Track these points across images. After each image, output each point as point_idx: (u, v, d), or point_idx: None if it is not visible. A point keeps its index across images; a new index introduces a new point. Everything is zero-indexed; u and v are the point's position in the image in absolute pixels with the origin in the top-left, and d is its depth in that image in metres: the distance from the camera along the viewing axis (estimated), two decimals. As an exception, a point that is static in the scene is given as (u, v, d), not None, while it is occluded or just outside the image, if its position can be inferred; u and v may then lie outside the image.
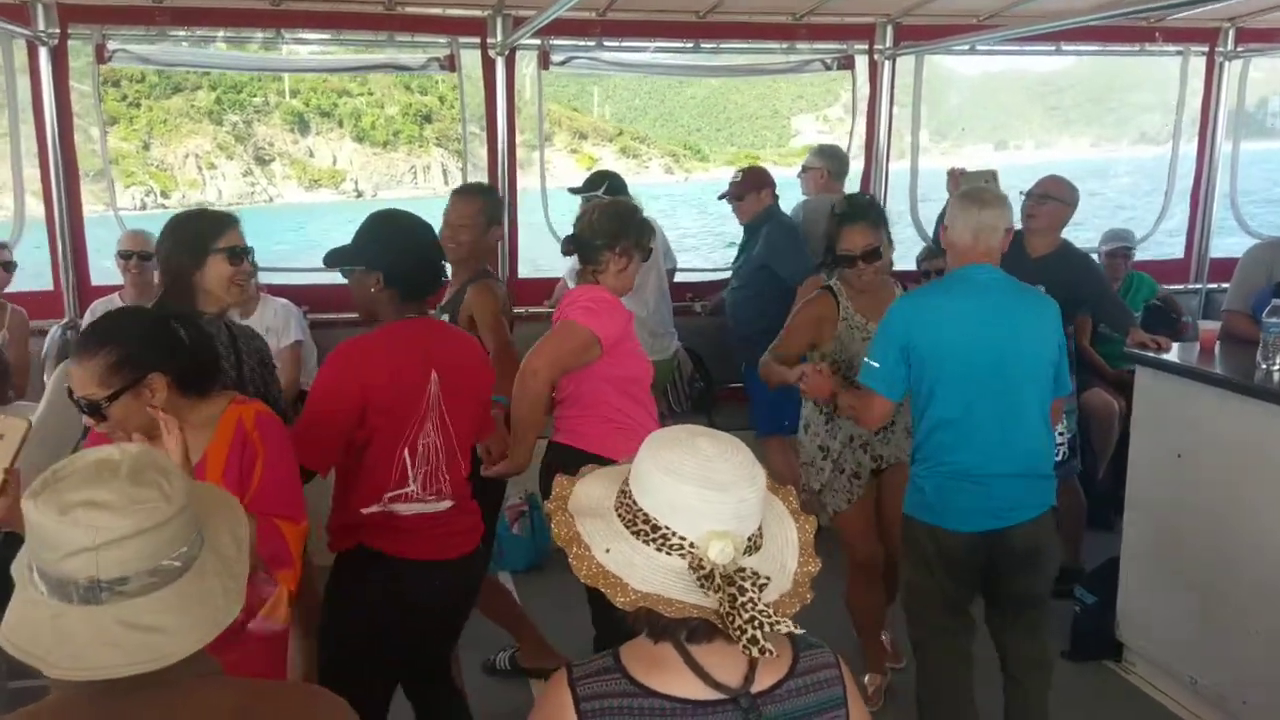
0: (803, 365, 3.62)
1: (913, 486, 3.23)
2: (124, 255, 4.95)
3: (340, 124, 62.69)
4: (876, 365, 3.15)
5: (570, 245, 3.37)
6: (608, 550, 1.44)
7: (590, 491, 1.54)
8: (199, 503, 1.46)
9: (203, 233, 2.90)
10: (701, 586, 1.39)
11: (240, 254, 2.91)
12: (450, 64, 5.68)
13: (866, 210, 3.75)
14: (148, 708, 1.33)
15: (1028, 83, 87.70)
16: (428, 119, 61.41)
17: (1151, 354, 4.08)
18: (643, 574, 1.42)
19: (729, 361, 5.49)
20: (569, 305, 3.26)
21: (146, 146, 55.58)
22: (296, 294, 5.46)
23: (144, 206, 51.29)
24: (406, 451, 2.66)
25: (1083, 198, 4.74)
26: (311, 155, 61.77)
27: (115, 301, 4.86)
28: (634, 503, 1.46)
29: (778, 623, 1.37)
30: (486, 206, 3.94)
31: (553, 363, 3.17)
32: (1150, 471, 4.01)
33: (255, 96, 61.00)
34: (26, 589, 1.33)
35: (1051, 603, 3.35)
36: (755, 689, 1.48)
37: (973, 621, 3.31)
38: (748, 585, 1.37)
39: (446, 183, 54.49)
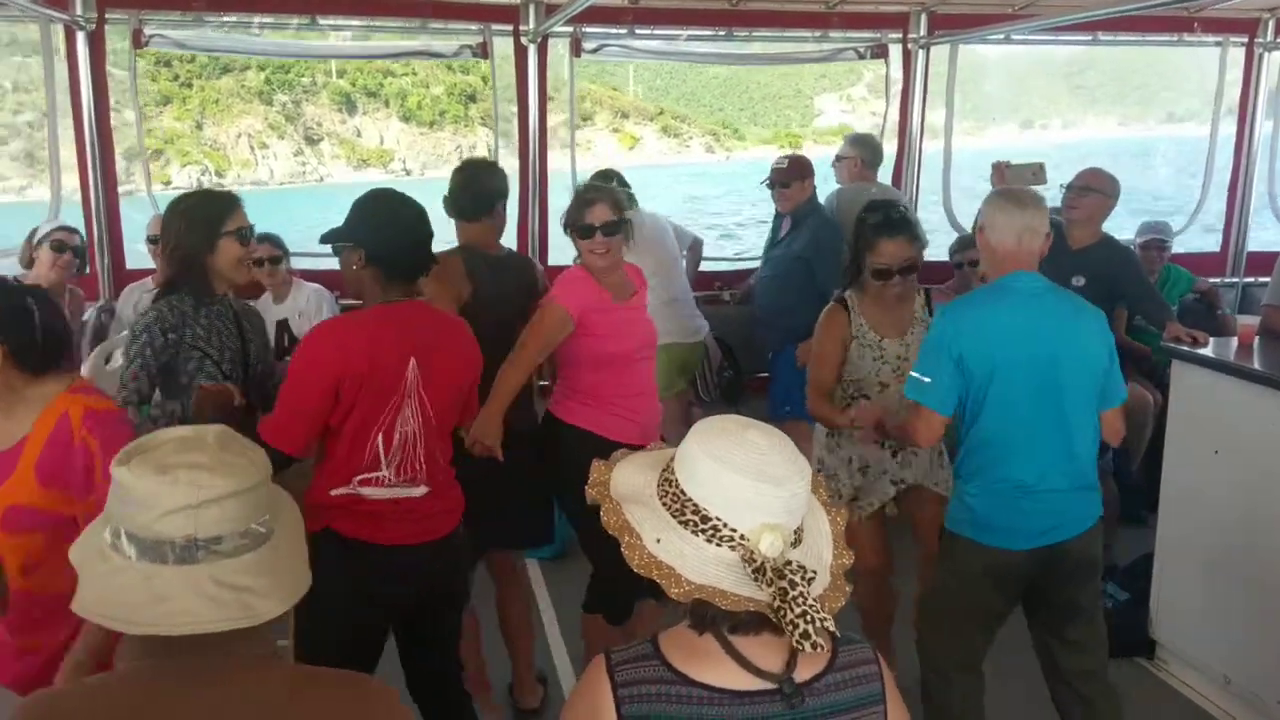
0: (850, 411, 3.51)
1: (960, 504, 3.09)
2: (153, 240, 4.95)
3: (386, 104, 62.72)
4: (928, 380, 2.99)
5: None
6: (658, 540, 1.44)
7: (630, 479, 1.54)
8: None
9: (213, 215, 2.92)
10: (755, 580, 1.39)
11: (248, 235, 2.96)
12: (483, 51, 5.68)
13: (907, 223, 3.58)
14: (204, 683, 1.36)
15: (1053, 62, 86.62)
16: (472, 99, 61.38)
17: (1188, 348, 4.03)
18: (695, 565, 1.41)
19: (758, 351, 5.47)
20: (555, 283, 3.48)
21: (199, 126, 55.96)
22: (328, 279, 5.48)
23: (200, 185, 51.81)
24: (381, 435, 2.61)
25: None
26: (359, 135, 61.93)
27: (148, 285, 4.88)
28: (681, 491, 1.46)
29: (826, 619, 1.38)
30: None
31: (535, 339, 3.33)
32: (1186, 467, 3.97)
33: (303, 77, 61.12)
34: (107, 559, 1.38)
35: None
36: (796, 679, 1.48)
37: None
38: (798, 579, 1.38)
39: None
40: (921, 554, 3.73)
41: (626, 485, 1.53)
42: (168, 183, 49.32)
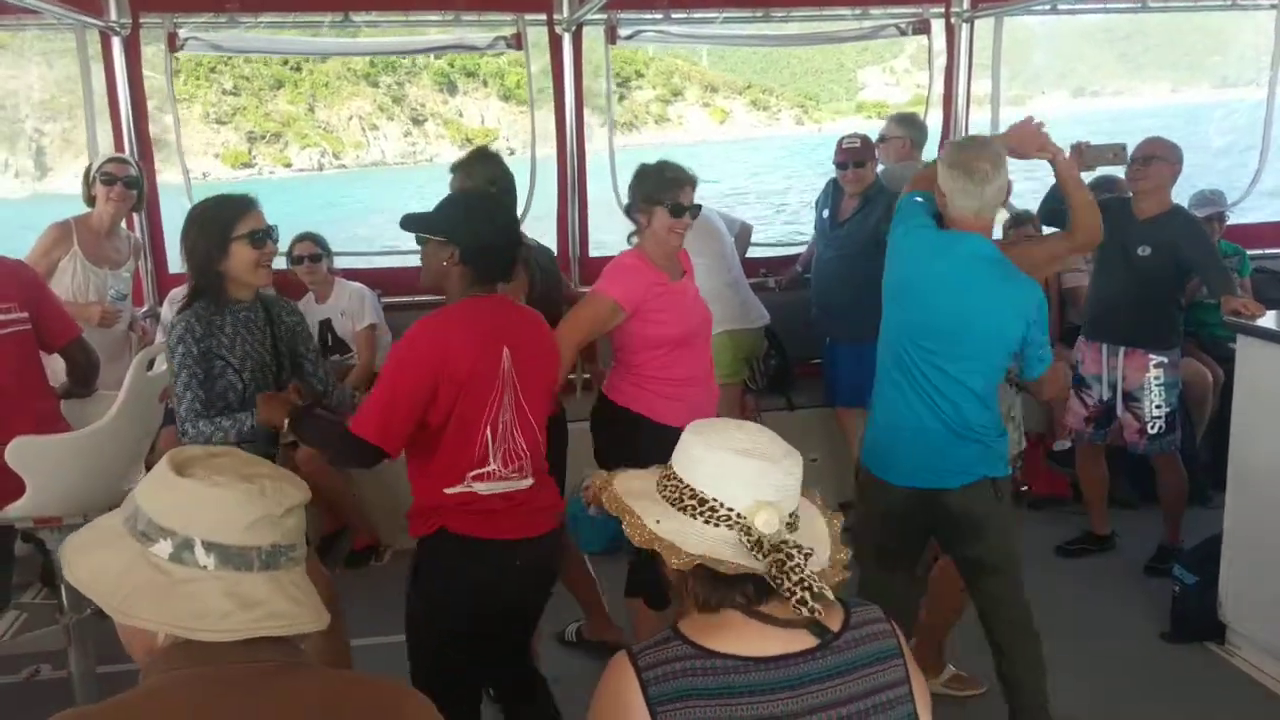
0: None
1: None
2: None
3: (485, 84, 62.47)
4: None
5: (626, 214, 3.53)
6: (658, 521, 1.54)
7: (630, 485, 1.64)
8: None
9: (222, 221, 2.90)
10: (751, 551, 1.49)
11: (262, 236, 2.91)
12: (517, 42, 5.63)
13: None
14: (240, 690, 1.35)
15: (1098, 30, 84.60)
16: None
17: (1253, 322, 3.89)
18: (694, 542, 1.51)
19: (805, 337, 5.37)
20: (600, 275, 3.44)
21: (312, 109, 56.44)
22: (371, 277, 5.48)
23: (320, 167, 52.81)
24: (488, 429, 2.62)
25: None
26: (460, 115, 61.98)
27: (190, 290, 4.89)
28: (680, 481, 1.57)
29: (823, 588, 1.47)
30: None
31: (575, 329, 3.35)
32: (1254, 445, 3.83)
33: (403, 59, 61.02)
34: (167, 572, 1.35)
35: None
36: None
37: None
38: (795, 553, 1.48)
39: (591, 139, 55.06)
40: None
41: (627, 489, 1.63)
42: (288, 165, 50.42)
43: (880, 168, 5.53)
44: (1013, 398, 3.64)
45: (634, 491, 1.61)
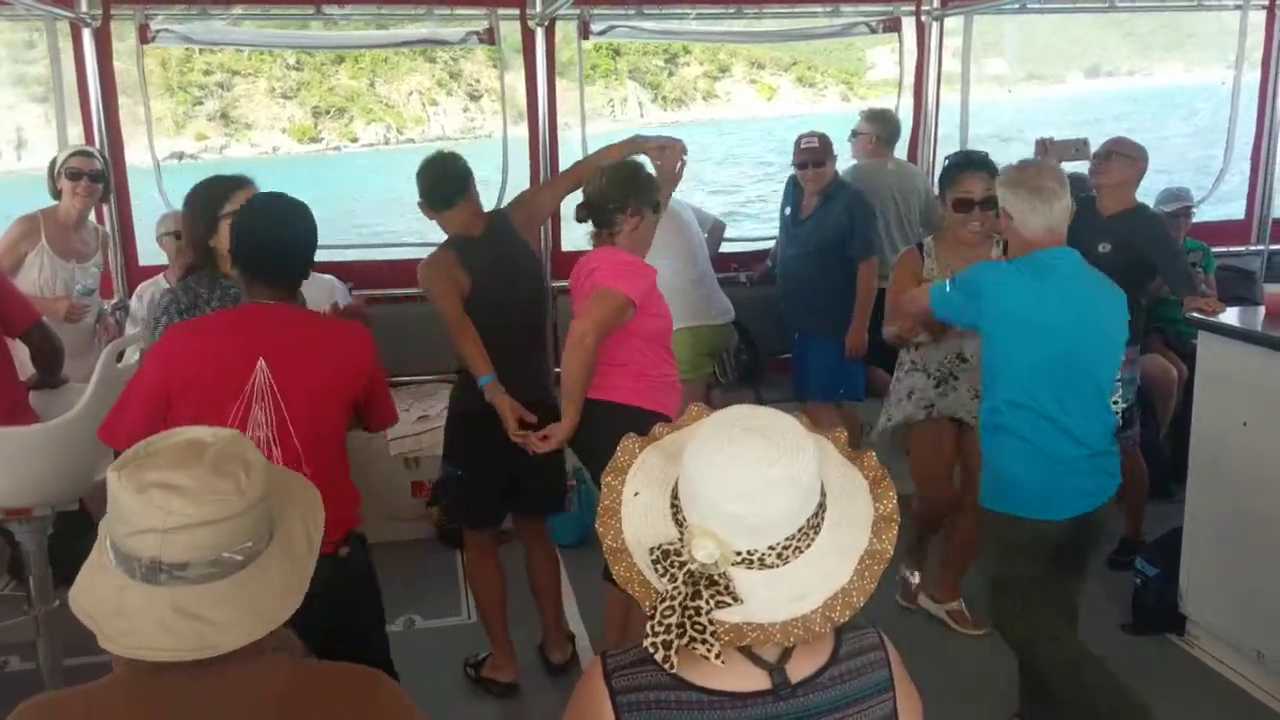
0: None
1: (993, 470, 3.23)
2: (178, 237, 4.84)
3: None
4: (948, 288, 3.24)
5: (584, 212, 3.48)
6: (636, 494, 1.44)
7: (670, 440, 1.53)
8: (282, 494, 1.49)
9: (214, 198, 2.95)
10: (669, 569, 1.34)
11: None
12: (489, 37, 5.64)
13: (986, 161, 3.86)
14: (202, 681, 1.35)
15: (1097, 9, 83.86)
16: (617, 52, 58.90)
17: (1213, 318, 3.95)
18: (645, 534, 1.40)
19: (776, 332, 5.42)
20: (595, 270, 3.36)
21: (373, 85, 55.66)
22: (342, 270, 5.47)
23: (386, 141, 52.16)
24: None
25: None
26: (514, 91, 60.37)
27: (161, 283, 4.86)
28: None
29: (710, 644, 1.31)
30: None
31: (598, 327, 3.27)
32: (1214, 440, 3.89)
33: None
34: (101, 554, 1.38)
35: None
36: (797, 677, 1.43)
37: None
38: (709, 598, 1.32)
39: (642, 115, 55.19)
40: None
41: (666, 440, 1.52)
42: (354, 139, 49.99)
43: (852, 162, 5.59)
44: None
45: (667, 447, 1.49)
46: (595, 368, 3.30)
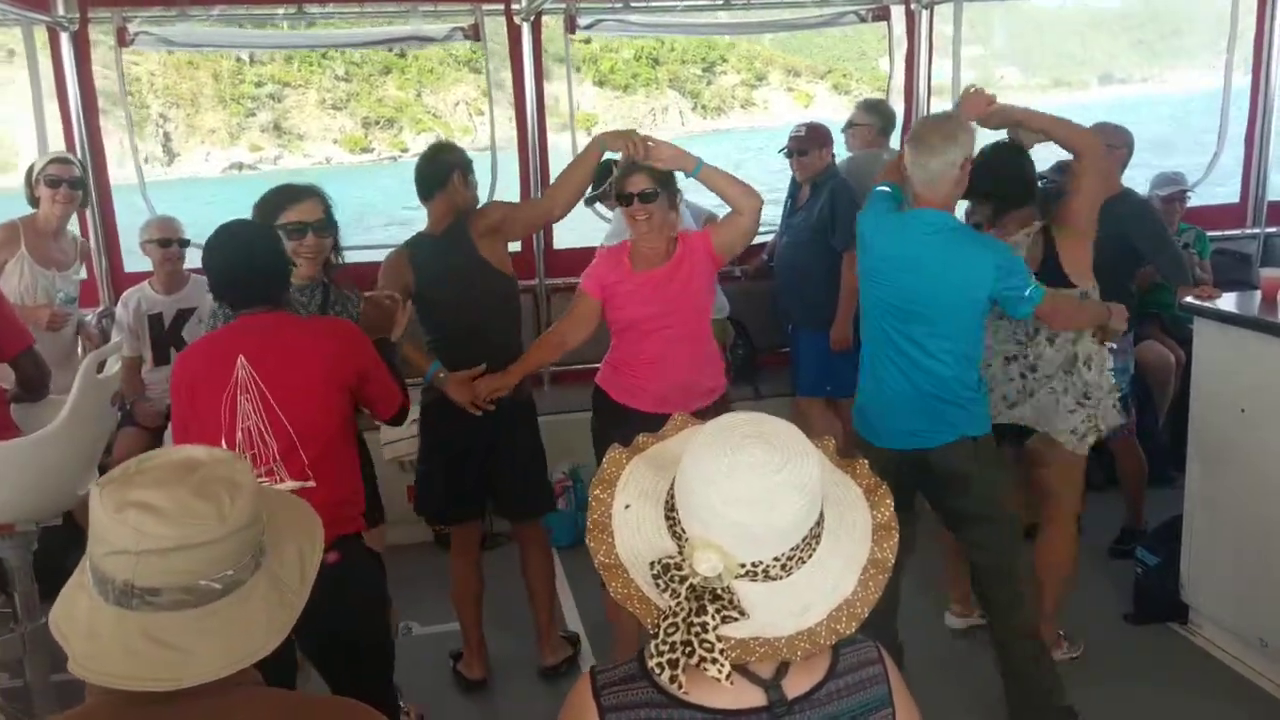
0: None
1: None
2: (163, 243, 4.75)
3: (578, 69, 61.33)
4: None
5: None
6: (627, 506, 1.39)
7: (662, 449, 1.49)
8: (280, 521, 1.43)
9: (270, 208, 3.12)
10: (670, 584, 1.30)
11: (294, 230, 3.08)
12: (474, 33, 5.59)
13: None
14: (173, 715, 1.30)
15: (1105, 17, 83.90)
16: (656, 61, 59.71)
17: (1209, 304, 3.91)
18: (631, 534, 1.37)
19: (773, 327, 5.38)
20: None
21: (419, 95, 55.97)
22: (353, 272, 5.41)
23: None
24: (225, 433, 2.61)
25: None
26: (556, 102, 60.28)
27: (145, 290, 4.81)
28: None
29: (719, 663, 1.26)
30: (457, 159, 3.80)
31: (563, 320, 3.71)
32: (1213, 427, 3.86)
33: (499, 45, 60.69)
34: (82, 574, 1.34)
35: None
36: (794, 694, 1.38)
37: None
38: (709, 610, 1.27)
39: (683, 124, 55.57)
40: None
41: (657, 450, 1.49)
42: (405, 149, 50.35)
43: (848, 154, 5.53)
44: (1103, 362, 3.67)
45: (656, 458, 1.46)
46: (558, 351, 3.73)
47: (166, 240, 4.76)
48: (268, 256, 2.76)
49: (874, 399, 3.41)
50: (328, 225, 3.18)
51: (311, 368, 2.66)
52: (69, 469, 3.27)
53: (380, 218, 19.71)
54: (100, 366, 3.38)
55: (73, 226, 4.81)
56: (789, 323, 5.25)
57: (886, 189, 3.42)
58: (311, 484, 2.57)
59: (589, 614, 4.37)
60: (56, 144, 5.21)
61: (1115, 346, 4.31)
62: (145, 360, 4.78)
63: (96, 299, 5.29)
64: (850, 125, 5.49)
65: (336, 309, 3.24)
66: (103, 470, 3.75)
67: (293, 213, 3.10)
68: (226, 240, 2.76)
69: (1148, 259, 4.50)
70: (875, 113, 5.54)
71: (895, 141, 5.79)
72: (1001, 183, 3.57)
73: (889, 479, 3.26)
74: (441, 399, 3.63)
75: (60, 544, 3.89)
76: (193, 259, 4.58)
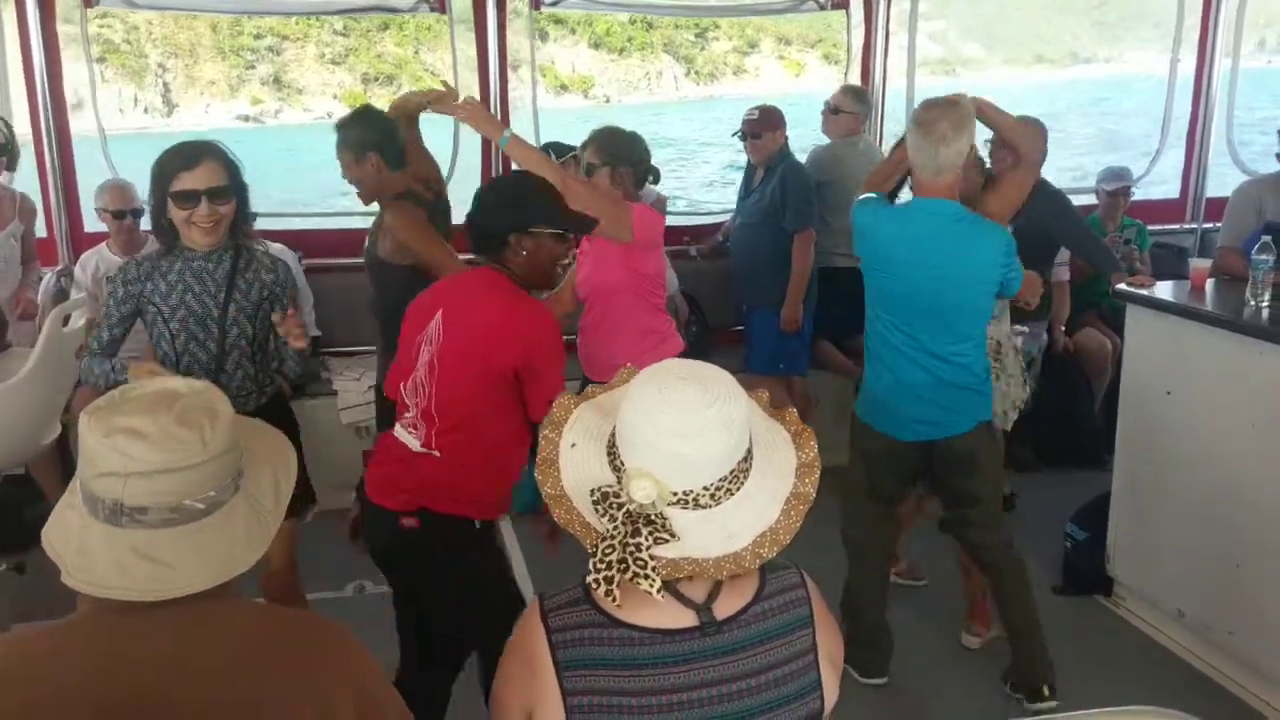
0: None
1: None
2: (116, 214, 4.67)
3: (573, 31, 59.07)
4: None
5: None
6: (573, 445, 1.52)
7: (608, 397, 1.62)
8: (255, 448, 1.53)
9: (164, 174, 2.83)
10: (609, 510, 1.43)
11: (188, 198, 2.79)
12: (440, 5, 5.63)
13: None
14: (160, 620, 1.39)
15: None
16: (650, 25, 58.03)
17: (1140, 291, 4.07)
18: (576, 469, 1.50)
19: (726, 304, 5.50)
20: None
21: (417, 53, 54.83)
22: (293, 239, 5.46)
23: None
24: (410, 376, 2.73)
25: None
26: (553, 63, 58.33)
27: (104, 253, 4.80)
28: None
29: (650, 578, 1.40)
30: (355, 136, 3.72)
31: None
32: (1140, 409, 4.04)
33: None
34: (72, 494, 1.44)
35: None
36: (723, 615, 1.52)
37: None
38: (646, 534, 1.40)
39: (677, 89, 55.52)
40: None
41: (607, 395, 1.61)
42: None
43: (825, 138, 5.58)
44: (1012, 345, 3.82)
45: (602, 404, 1.59)
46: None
47: (120, 212, 4.66)
48: (487, 212, 2.76)
49: (892, 392, 3.38)
50: (228, 190, 2.85)
51: (475, 346, 2.65)
52: (32, 419, 3.33)
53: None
54: (66, 320, 3.43)
55: (29, 185, 4.81)
56: (743, 303, 5.37)
57: (873, 196, 3.43)
58: (435, 454, 2.65)
59: (540, 580, 4.42)
60: (19, 100, 5.20)
61: (1026, 330, 4.47)
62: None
63: (56, 258, 5.29)
64: (836, 110, 5.50)
65: (248, 275, 2.97)
66: (64, 428, 3.81)
67: (187, 178, 2.79)
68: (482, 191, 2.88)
69: (1075, 251, 4.64)
70: (861, 101, 5.58)
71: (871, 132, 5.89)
72: None
73: (897, 464, 3.43)
74: None
75: (17, 499, 3.96)
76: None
